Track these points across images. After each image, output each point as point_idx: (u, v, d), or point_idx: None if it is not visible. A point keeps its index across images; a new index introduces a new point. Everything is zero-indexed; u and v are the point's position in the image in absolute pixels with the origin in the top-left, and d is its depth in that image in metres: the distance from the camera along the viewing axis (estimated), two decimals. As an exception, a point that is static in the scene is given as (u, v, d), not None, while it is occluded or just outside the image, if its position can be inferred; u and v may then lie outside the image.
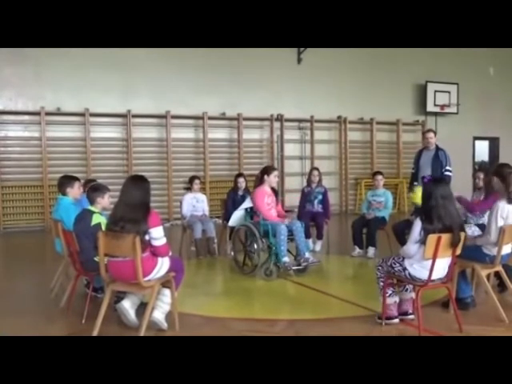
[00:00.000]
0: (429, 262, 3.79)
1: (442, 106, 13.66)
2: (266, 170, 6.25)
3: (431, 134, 7.07)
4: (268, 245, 5.84)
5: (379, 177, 7.20)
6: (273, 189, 6.29)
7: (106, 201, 4.52)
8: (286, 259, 5.73)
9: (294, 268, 5.84)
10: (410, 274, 3.92)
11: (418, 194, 6.07)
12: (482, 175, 5.41)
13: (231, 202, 7.29)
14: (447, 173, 6.79)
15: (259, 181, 6.23)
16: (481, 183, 5.41)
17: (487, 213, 4.80)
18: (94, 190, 4.54)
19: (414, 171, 7.25)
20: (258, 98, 11.84)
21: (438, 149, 7.00)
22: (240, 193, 7.42)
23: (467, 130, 14.09)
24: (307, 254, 5.91)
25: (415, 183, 7.08)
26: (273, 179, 6.19)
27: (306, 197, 7.56)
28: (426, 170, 6.91)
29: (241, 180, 7.52)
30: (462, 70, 13.72)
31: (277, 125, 12.18)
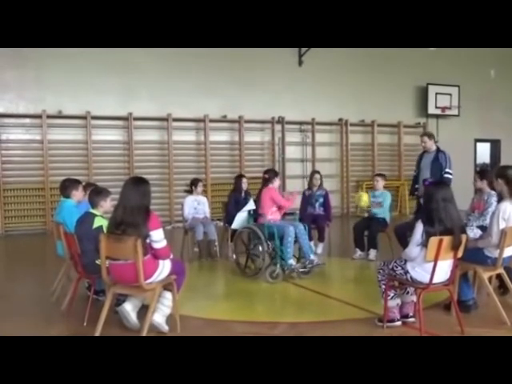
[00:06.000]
0: (431, 266, 3.79)
1: (443, 109, 13.67)
2: (276, 173, 6.51)
3: (425, 139, 7.03)
4: (273, 247, 5.84)
5: (378, 178, 7.23)
6: None
7: (108, 204, 4.57)
8: (291, 261, 5.73)
9: (300, 270, 5.83)
10: (411, 277, 3.92)
11: (363, 198, 7.14)
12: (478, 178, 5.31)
13: (234, 203, 7.25)
14: (447, 175, 6.73)
15: (266, 181, 6.31)
16: (478, 185, 5.31)
17: (489, 215, 4.80)
18: (97, 193, 4.59)
19: (415, 174, 7.27)
20: (259, 100, 11.85)
21: (438, 151, 6.97)
22: (243, 194, 7.42)
23: (468, 132, 14.10)
24: (312, 256, 5.91)
25: (416, 186, 7.14)
26: (277, 182, 6.42)
27: (307, 199, 7.57)
28: (426, 173, 6.90)
29: (244, 180, 7.54)
30: (462, 73, 13.74)
31: (278, 127, 12.19)
